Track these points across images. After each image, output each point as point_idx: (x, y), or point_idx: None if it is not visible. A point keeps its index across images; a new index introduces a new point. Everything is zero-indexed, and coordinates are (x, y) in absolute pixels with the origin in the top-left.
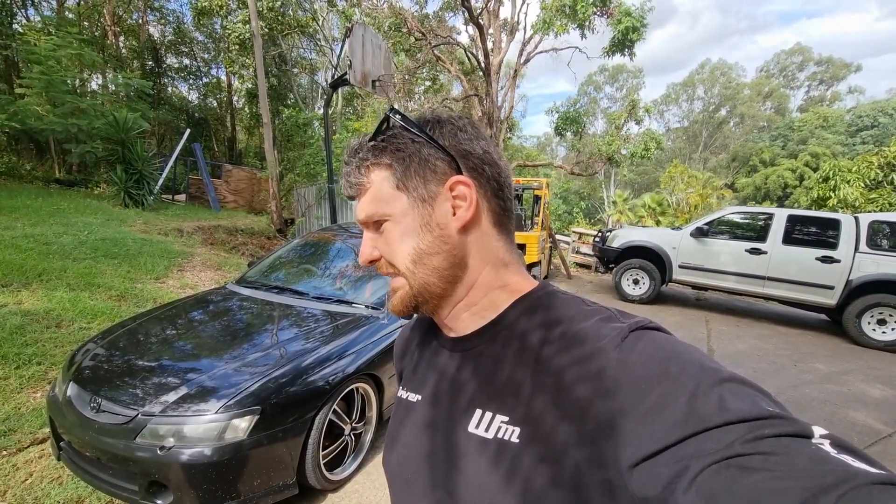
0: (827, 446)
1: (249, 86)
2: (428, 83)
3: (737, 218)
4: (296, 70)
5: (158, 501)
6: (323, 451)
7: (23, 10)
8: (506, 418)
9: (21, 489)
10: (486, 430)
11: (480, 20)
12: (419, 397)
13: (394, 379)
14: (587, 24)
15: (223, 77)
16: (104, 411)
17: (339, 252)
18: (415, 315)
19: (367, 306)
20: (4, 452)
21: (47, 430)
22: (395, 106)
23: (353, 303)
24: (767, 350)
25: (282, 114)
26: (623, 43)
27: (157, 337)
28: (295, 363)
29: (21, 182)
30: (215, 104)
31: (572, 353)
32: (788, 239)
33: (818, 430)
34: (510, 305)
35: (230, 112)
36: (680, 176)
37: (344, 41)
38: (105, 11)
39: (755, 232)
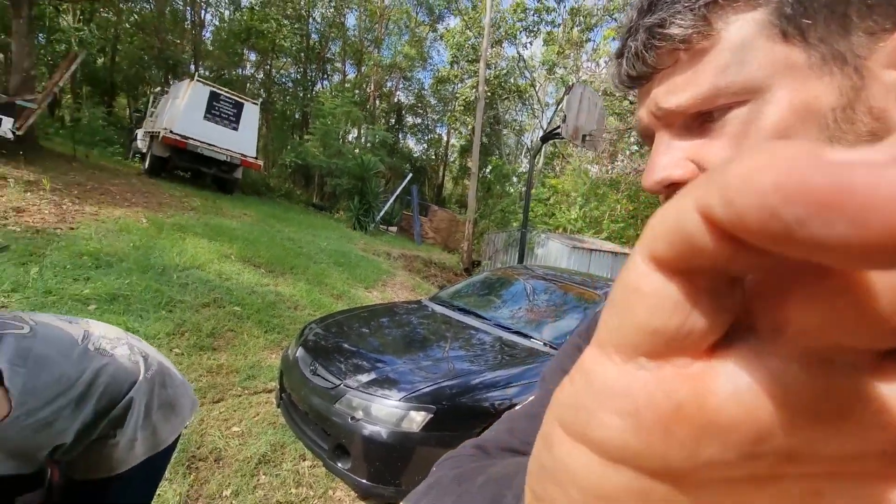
0: None
1: (463, 143)
2: (635, 148)
3: None
4: (505, 131)
5: (339, 464)
6: None
7: (321, 81)
8: None
9: (251, 422)
10: None
11: None
12: None
13: None
14: None
15: (444, 134)
16: (319, 375)
17: (524, 288)
18: None
19: (545, 343)
20: (247, 391)
21: (276, 382)
22: (596, 168)
23: (531, 336)
24: None
25: (488, 164)
26: None
27: (358, 329)
28: (464, 379)
29: (291, 202)
30: (433, 156)
31: None
32: None
33: None
34: None
35: (444, 163)
36: None
37: (563, 98)
38: (372, 81)
39: None
